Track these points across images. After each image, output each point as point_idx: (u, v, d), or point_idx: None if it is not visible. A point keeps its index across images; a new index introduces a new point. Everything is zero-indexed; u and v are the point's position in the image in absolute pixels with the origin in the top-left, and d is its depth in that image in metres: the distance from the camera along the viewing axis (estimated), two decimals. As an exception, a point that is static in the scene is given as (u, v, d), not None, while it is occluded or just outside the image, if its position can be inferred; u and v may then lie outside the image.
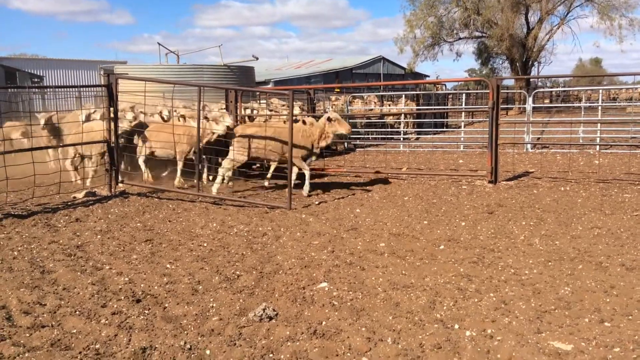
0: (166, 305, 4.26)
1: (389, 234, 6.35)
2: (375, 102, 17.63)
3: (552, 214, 7.03)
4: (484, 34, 37.88)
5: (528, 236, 6.12)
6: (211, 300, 4.34)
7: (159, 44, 25.20)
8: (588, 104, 15.73)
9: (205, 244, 5.98)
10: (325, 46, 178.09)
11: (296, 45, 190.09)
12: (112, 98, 8.69)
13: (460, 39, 39.32)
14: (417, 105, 20.55)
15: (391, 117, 17.45)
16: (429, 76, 54.48)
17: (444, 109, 19.87)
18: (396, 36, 39.40)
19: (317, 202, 8.15)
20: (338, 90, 26.40)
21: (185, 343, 3.58)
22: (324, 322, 3.88)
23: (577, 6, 36.15)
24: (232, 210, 7.63)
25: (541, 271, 4.94)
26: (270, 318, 3.94)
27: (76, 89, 28.15)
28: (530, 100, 14.03)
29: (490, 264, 5.17)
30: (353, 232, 6.46)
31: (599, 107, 13.77)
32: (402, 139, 16.21)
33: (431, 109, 18.14)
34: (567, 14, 36.68)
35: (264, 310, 3.97)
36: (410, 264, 5.24)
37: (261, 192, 8.95)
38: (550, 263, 5.16)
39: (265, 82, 45.95)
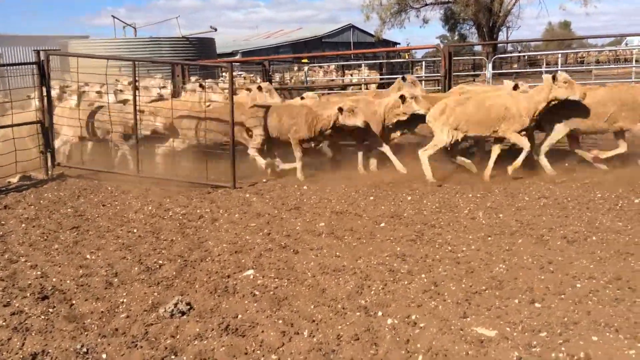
0: (74, 302, 3.95)
1: (332, 212, 6.09)
2: (335, 72, 17.21)
3: (500, 185, 6.84)
4: (450, 0, 37.46)
5: (472, 209, 5.92)
6: (124, 294, 4.04)
7: (114, 17, 24.33)
8: (548, 68, 15.56)
9: (135, 230, 5.65)
10: (295, 15, 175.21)
11: (265, 15, 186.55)
12: (43, 76, 8.17)
13: (427, 4, 38.88)
14: (381, 74, 20.20)
15: (352, 87, 17.08)
16: (399, 44, 54.03)
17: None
18: (363, 3, 38.73)
19: (264, 180, 7.83)
20: (306, 60, 25.87)
21: (82, 346, 3.29)
22: (239, 316, 3.62)
23: (543, -31, 35.91)
24: (173, 192, 7.28)
25: (479, 247, 4.74)
26: (183, 313, 3.66)
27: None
28: (489, 66, 13.81)
29: (428, 241, 4.96)
30: (295, 211, 6.19)
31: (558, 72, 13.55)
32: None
33: (392, 78, 17.84)
34: (534, -23, 36.45)
35: (175, 305, 3.69)
36: (347, 245, 5.00)
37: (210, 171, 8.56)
38: (489, 238, 4.97)
39: (233, 54, 45.02)
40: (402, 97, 7.55)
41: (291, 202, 6.59)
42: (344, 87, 17.65)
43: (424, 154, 7.30)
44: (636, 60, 24.18)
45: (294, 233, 5.38)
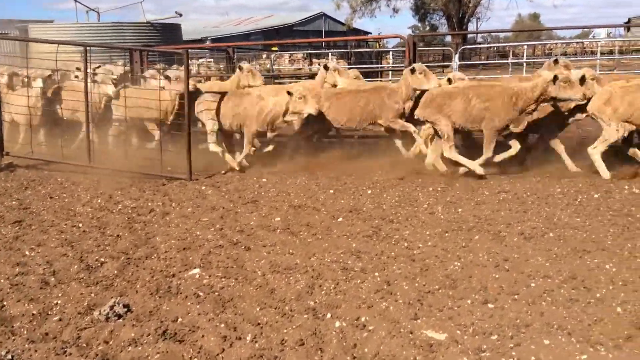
0: (5, 303, 3.69)
1: (289, 206, 5.90)
2: (302, 61, 16.95)
3: (462, 178, 6.75)
4: (420, -11, 37.46)
5: (432, 203, 5.81)
6: (59, 295, 3.79)
7: (76, 0, 23.52)
8: (515, 60, 15.62)
9: (80, 225, 5.37)
10: (267, 2, 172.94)
11: (236, 1, 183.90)
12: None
13: (397, -6, 38.80)
14: (350, 64, 20.00)
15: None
16: (370, 33, 53.86)
17: (368, 68, 19.40)
18: (333, -8, 38.41)
19: (223, 172, 7.58)
20: (275, 48, 25.48)
21: (7, 352, 3.05)
22: (180, 319, 3.41)
23: (511, -39, 36.14)
24: (125, 183, 6.98)
25: (435, 243, 4.63)
26: (119, 316, 3.44)
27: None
28: (456, 57, 13.76)
29: (384, 237, 4.82)
30: (251, 205, 5.98)
31: (524, 64, 13.64)
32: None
33: (360, 67, 17.69)
34: (503, -32, 36.66)
35: (112, 307, 3.47)
36: (302, 241, 4.82)
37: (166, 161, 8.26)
38: (447, 234, 4.86)
39: (202, 40, 44.10)
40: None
41: (248, 195, 6.38)
42: (311, 75, 17.40)
43: (594, 151, 6.53)
44: (601, 53, 24.55)
45: (247, 228, 5.18)
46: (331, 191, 6.47)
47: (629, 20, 41.26)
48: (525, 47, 14.91)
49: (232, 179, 7.20)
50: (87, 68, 7.24)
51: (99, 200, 6.24)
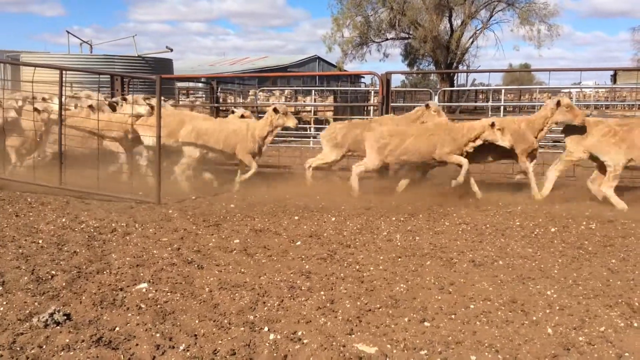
0: (-53, 310, 3.69)
1: (251, 229, 5.97)
2: (287, 98, 17.24)
3: (426, 211, 6.86)
4: (410, 35, 38.39)
5: (392, 232, 5.89)
6: (3, 303, 3.79)
7: (68, 32, 24.00)
8: (493, 104, 15.97)
9: (40, 241, 5.39)
10: (264, 45, 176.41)
11: (234, 42, 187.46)
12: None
13: (387, 39, 39.75)
14: (335, 101, 20.36)
15: (305, 113, 17.13)
16: (363, 77, 54.87)
17: (353, 105, 19.76)
18: (324, 34, 39.33)
19: (194, 197, 7.66)
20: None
21: (-63, 355, 3.05)
22: (117, 328, 3.43)
23: (499, 10, 37.31)
24: (94, 205, 7.03)
25: (387, 267, 4.69)
26: (58, 323, 3.45)
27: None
28: (436, 99, 14.08)
29: (338, 260, 4.88)
30: (213, 228, 6.04)
31: (501, 107, 13.97)
32: (312, 135, 15.91)
33: (347, 105, 18.04)
34: (490, 18, 37.80)
35: (51, 315, 3.48)
36: (256, 262, 4.87)
37: (137, 185, 8.34)
38: (400, 259, 4.93)
39: (197, 78, 44.81)
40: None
41: (213, 219, 6.44)
42: (296, 112, 17.69)
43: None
44: (587, 105, 25.13)
45: (204, 249, 5.22)
46: (296, 217, 6.55)
47: (615, 73, 42.41)
48: (503, 91, 15.20)
49: (201, 204, 7.27)
50: (62, 91, 7.36)
51: (64, 220, 6.27)
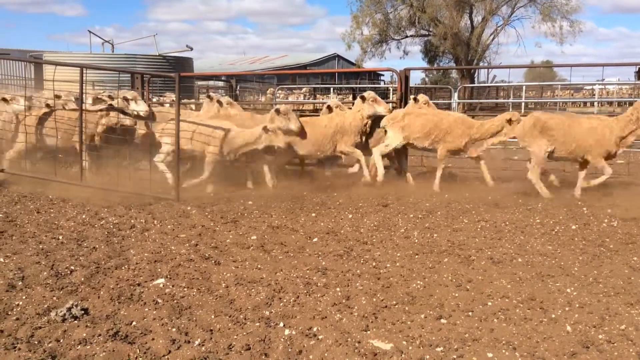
0: (-31, 303, 3.76)
1: (268, 226, 5.98)
2: (305, 95, 17.25)
3: (444, 208, 6.80)
4: (430, 32, 38.11)
5: (409, 229, 5.85)
6: (23, 297, 3.86)
7: (90, 32, 24.33)
8: (513, 101, 15.77)
9: (60, 237, 5.46)
10: (282, 43, 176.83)
11: (253, 41, 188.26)
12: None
13: (407, 36, 39.50)
14: (354, 99, 20.30)
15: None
16: (383, 75, 54.70)
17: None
18: (343, 32, 39.23)
19: (212, 194, 7.69)
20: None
21: (-41, 347, 3.10)
22: (134, 323, 3.47)
23: (520, 7, 36.81)
24: (113, 201, 7.09)
25: (403, 264, 4.66)
26: (76, 318, 3.50)
27: None
28: (455, 96, 13.96)
29: (354, 257, 4.86)
30: (231, 224, 6.06)
31: (522, 104, 13.80)
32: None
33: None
34: (511, 14, 37.31)
35: (69, 309, 3.53)
36: (273, 258, 4.88)
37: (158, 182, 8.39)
38: (417, 256, 4.90)
39: (217, 76, 45.13)
40: None
41: (230, 215, 6.46)
42: (315, 110, 17.70)
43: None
44: (609, 102, 24.71)
45: (222, 245, 5.24)
46: (313, 215, 6.54)
47: (639, 69, 41.55)
48: (524, 87, 15.01)
49: (219, 201, 7.29)
50: (82, 89, 7.45)
51: (84, 216, 6.35)
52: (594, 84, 30.41)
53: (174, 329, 3.36)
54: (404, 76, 8.98)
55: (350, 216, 6.45)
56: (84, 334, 3.27)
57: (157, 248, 5.11)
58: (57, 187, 7.80)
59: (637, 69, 40.06)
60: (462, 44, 36.63)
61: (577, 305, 3.74)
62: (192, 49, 21.45)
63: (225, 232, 5.73)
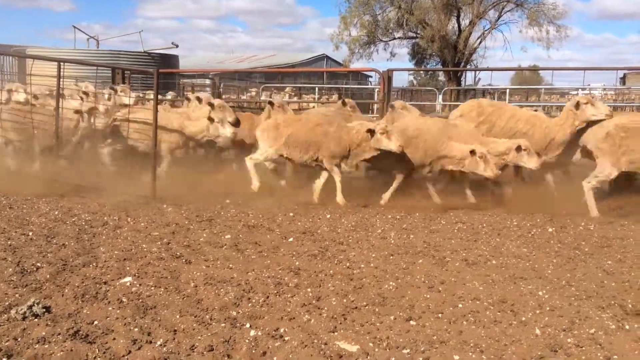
0: None
1: (244, 225, 5.91)
2: (291, 95, 17.18)
3: (423, 210, 6.75)
4: (417, 35, 38.17)
5: (386, 229, 5.81)
6: (-16, 295, 3.75)
7: (75, 27, 24.04)
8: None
9: (30, 233, 5.34)
10: (272, 43, 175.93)
11: (243, 40, 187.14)
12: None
13: (395, 38, 39.51)
14: (339, 99, 20.26)
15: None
16: (371, 76, 54.70)
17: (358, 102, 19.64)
18: (332, 33, 39.19)
19: (190, 192, 7.58)
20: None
21: None
22: (95, 322, 3.37)
23: (507, 11, 37.00)
24: (89, 199, 6.98)
25: (378, 265, 4.61)
26: (36, 316, 3.40)
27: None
28: (440, 98, 13.97)
29: (329, 257, 4.81)
30: (206, 223, 5.98)
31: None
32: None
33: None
34: (498, 18, 37.50)
35: (30, 307, 3.43)
36: (245, 257, 4.81)
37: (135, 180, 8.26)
38: (392, 257, 4.85)
39: (205, 74, 44.88)
40: None
41: (207, 214, 6.38)
42: (300, 109, 17.61)
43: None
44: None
45: (194, 244, 5.16)
46: (291, 214, 6.47)
47: (624, 75, 41.99)
48: (508, 91, 15.07)
49: (196, 199, 7.18)
50: (59, 83, 7.33)
51: (57, 213, 6.22)
52: (578, 89, 30.66)
53: (136, 329, 3.28)
54: (387, 77, 8.96)
55: (328, 216, 6.40)
56: (44, 333, 3.17)
57: (127, 246, 5.01)
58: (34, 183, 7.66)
59: (622, 75, 40.52)
60: (450, 47, 36.72)
61: (548, 309, 3.71)
62: (177, 46, 21.34)
63: (199, 230, 5.64)
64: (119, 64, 21.80)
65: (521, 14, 36.56)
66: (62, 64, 7.35)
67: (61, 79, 7.71)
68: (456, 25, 37.30)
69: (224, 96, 16.15)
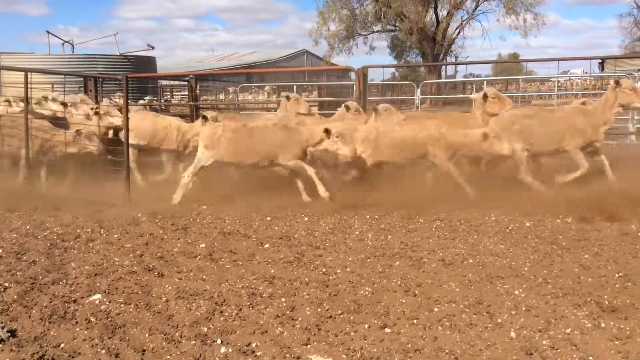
0: None
1: (220, 232, 5.82)
2: (269, 93, 17.06)
3: (402, 209, 6.69)
4: (396, 28, 38.20)
5: (364, 231, 5.76)
6: (-54, 321, 3.63)
7: (48, 32, 23.66)
8: (476, 95, 15.77)
9: (0, 250, 5.21)
10: (253, 39, 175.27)
11: (223, 38, 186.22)
12: None
13: (374, 32, 39.54)
14: (320, 97, 20.19)
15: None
16: (352, 70, 54.56)
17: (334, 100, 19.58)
18: (311, 28, 39.08)
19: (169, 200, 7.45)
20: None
21: None
22: (62, 345, 3.28)
23: (484, 1, 37.19)
24: (63, 210, 6.83)
25: (354, 269, 4.56)
26: (1, 341, 3.29)
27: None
28: (418, 92, 13.94)
29: (305, 264, 4.74)
30: (181, 232, 5.88)
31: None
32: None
33: (331, 100, 17.87)
34: (476, 8, 37.66)
35: (-7, 332, 3.32)
36: (220, 267, 4.72)
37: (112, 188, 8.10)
38: (369, 260, 4.80)
39: (185, 75, 44.50)
40: None
41: (182, 222, 6.27)
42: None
43: None
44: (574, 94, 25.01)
45: (168, 255, 5.06)
46: (268, 218, 6.39)
47: (603, 60, 42.39)
48: (485, 82, 15.08)
49: (173, 207, 7.07)
50: (27, 94, 7.16)
51: (29, 227, 6.08)
52: (559, 77, 30.86)
53: (103, 351, 3.19)
54: (362, 74, 8.89)
55: (306, 219, 6.33)
56: (7, 359, 3.08)
57: (99, 260, 4.91)
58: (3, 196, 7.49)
59: (600, 61, 40.88)
60: (428, 39, 36.84)
61: (524, 309, 3.68)
62: (153, 47, 21.04)
63: (173, 240, 5.55)
64: (95, 69, 21.51)
65: (498, 3, 36.84)
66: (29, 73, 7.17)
67: (29, 89, 7.53)
68: (434, 16, 37.41)
69: (201, 98, 15.96)
